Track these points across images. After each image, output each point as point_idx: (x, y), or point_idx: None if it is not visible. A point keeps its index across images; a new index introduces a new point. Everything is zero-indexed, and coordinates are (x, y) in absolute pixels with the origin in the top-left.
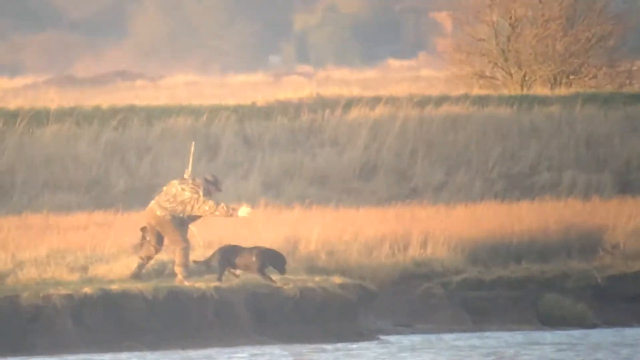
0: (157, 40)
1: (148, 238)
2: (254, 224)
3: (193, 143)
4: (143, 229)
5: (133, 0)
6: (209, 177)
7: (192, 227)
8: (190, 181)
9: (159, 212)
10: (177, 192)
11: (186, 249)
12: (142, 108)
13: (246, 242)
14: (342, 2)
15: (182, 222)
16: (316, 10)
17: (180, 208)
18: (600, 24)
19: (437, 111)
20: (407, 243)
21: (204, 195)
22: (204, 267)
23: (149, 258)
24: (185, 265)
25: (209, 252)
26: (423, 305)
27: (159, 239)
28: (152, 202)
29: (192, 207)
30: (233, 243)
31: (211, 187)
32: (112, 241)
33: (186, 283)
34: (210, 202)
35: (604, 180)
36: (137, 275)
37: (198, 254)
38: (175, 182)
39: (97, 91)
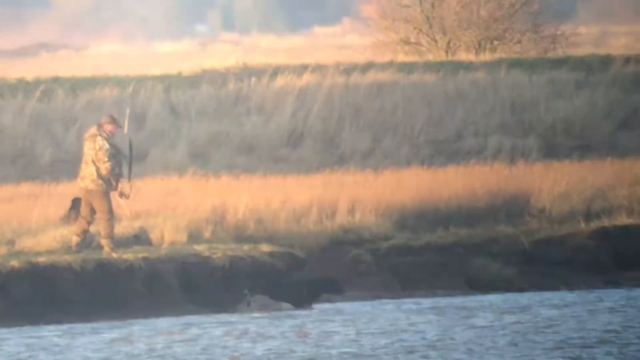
0: (81, 10)
1: (78, 210)
2: (182, 194)
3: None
4: (74, 201)
5: None
6: (102, 119)
7: (120, 199)
8: (87, 134)
9: (81, 184)
10: (87, 151)
11: (111, 220)
12: (67, 79)
13: (174, 212)
14: None
15: (109, 187)
16: None
17: (95, 166)
18: None
19: (363, 78)
20: (335, 210)
21: (103, 138)
22: None
23: (85, 232)
24: (110, 236)
25: (136, 223)
26: (352, 272)
27: (92, 211)
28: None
29: (97, 154)
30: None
31: (110, 127)
32: (39, 213)
33: (114, 255)
34: (103, 144)
35: (530, 145)
36: (79, 252)
37: (125, 225)
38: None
39: (21, 63)
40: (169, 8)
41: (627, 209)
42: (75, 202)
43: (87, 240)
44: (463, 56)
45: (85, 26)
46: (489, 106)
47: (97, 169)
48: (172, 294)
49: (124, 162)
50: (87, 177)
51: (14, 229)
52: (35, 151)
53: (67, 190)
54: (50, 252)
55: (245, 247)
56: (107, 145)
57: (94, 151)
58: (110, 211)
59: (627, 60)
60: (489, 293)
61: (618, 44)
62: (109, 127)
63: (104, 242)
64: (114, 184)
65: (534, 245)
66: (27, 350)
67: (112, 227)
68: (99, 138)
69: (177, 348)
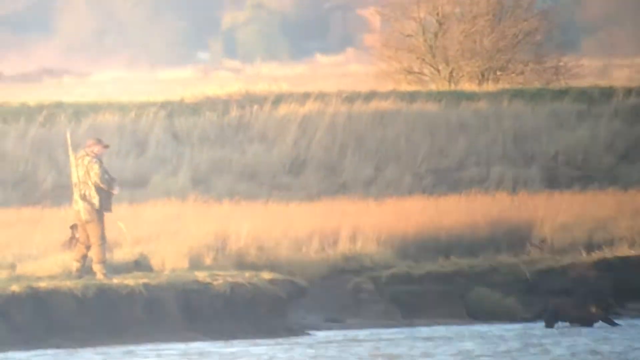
0: (84, 36)
1: (77, 236)
2: (184, 220)
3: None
4: (73, 227)
5: None
6: (88, 141)
7: (120, 223)
8: (77, 155)
9: (75, 207)
10: (79, 170)
11: (103, 246)
12: (70, 104)
13: (176, 238)
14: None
15: (100, 214)
16: (244, 7)
17: (87, 186)
18: (526, 20)
19: (365, 107)
20: (337, 238)
21: (92, 159)
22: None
23: (84, 257)
24: (103, 261)
25: (137, 249)
26: (353, 300)
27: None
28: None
29: (92, 170)
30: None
31: (97, 148)
32: (40, 238)
33: (105, 280)
34: (96, 166)
35: (532, 175)
36: (80, 278)
37: (126, 250)
38: (72, 170)
39: (24, 88)
40: (172, 35)
41: (628, 240)
42: (75, 228)
43: (87, 266)
44: (466, 86)
45: (89, 52)
46: (491, 136)
47: (87, 193)
48: (172, 320)
49: (113, 184)
50: (79, 200)
51: (15, 253)
52: (37, 176)
53: (68, 216)
54: (51, 277)
55: (247, 274)
56: (97, 166)
57: (83, 172)
58: (103, 236)
59: (629, 92)
60: (489, 323)
61: (620, 75)
62: (95, 148)
63: (96, 267)
64: (104, 203)
65: (535, 275)
66: None
67: (104, 252)
68: (87, 158)
69: None
